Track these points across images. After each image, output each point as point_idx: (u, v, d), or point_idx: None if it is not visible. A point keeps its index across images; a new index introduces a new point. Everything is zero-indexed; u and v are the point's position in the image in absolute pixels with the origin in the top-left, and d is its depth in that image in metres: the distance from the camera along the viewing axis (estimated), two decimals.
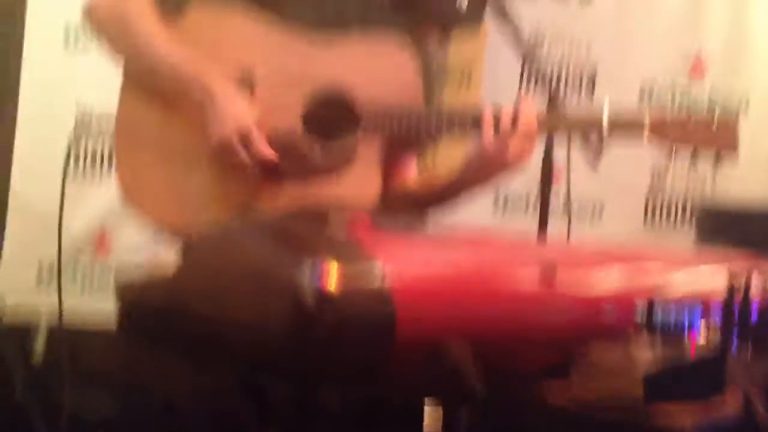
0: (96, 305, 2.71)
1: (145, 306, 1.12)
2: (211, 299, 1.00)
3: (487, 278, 1.06)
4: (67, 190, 1.85)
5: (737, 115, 1.69)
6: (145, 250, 1.76)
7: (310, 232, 1.02)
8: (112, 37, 1.69)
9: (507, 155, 1.59)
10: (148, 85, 1.65)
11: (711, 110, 1.68)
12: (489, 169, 1.65)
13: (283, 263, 0.92)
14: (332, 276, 0.88)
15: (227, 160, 1.58)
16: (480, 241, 1.34)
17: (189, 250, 1.08)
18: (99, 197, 2.84)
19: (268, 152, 1.57)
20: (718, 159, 1.63)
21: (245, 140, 1.55)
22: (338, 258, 0.91)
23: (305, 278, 0.87)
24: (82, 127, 2.90)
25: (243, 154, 1.56)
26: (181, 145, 1.63)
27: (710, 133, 1.62)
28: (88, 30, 1.75)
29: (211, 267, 1.04)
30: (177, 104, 1.62)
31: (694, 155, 1.64)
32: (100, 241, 2.93)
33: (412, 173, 1.86)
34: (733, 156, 1.64)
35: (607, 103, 1.61)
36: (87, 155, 2.94)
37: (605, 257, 1.37)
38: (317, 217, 1.14)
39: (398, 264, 0.97)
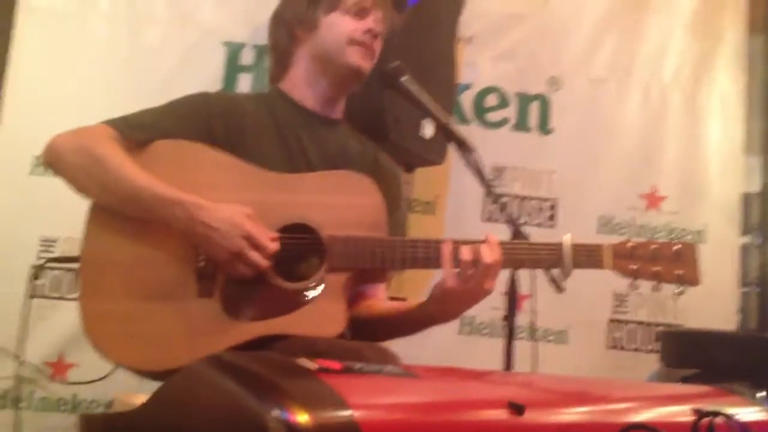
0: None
1: None
2: None
3: (455, 412, 1.05)
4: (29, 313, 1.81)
5: (694, 244, 1.71)
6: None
7: (278, 373, 1.00)
8: (80, 171, 1.65)
9: (469, 290, 1.60)
10: (122, 216, 1.62)
11: (671, 239, 1.71)
12: (452, 302, 1.65)
13: (251, 403, 0.90)
14: (301, 414, 0.86)
15: (237, 268, 1.58)
16: (447, 375, 1.34)
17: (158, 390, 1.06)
18: (60, 321, 2.80)
19: (273, 245, 1.59)
20: (680, 286, 1.65)
21: (250, 239, 1.57)
22: (306, 398, 0.90)
23: (274, 416, 0.86)
24: (46, 251, 2.87)
25: (254, 256, 1.57)
26: (148, 281, 1.60)
27: (671, 261, 1.64)
28: (49, 167, 1.70)
29: (175, 405, 1.01)
30: (150, 237, 1.61)
31: (657, 284, 1.65)
32: (58, 364, 2.85)
33: (381, 298, 1.86)
34: (694, 283, 1.65)
35: (569, 236, 1.64)
36: (50, 279, 2.90)
37: (573, 394, 1.36)
38: (285, 360, 1.13)
39: (367, 402, 0.96)
